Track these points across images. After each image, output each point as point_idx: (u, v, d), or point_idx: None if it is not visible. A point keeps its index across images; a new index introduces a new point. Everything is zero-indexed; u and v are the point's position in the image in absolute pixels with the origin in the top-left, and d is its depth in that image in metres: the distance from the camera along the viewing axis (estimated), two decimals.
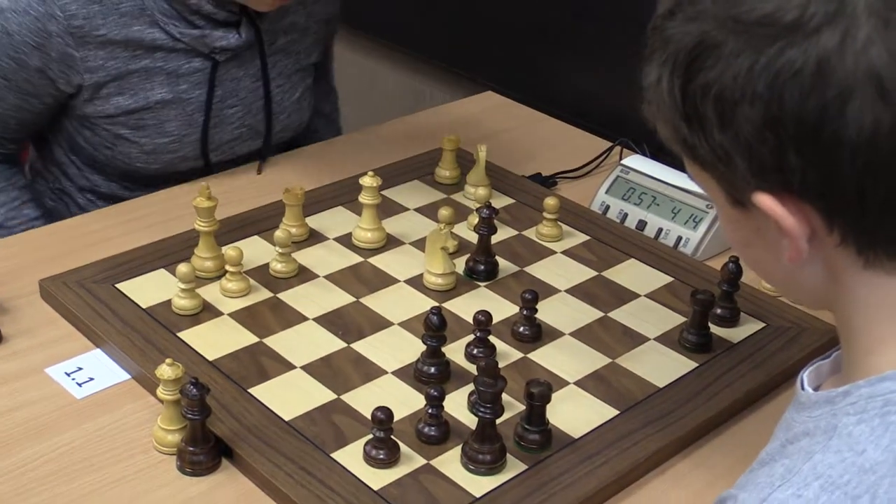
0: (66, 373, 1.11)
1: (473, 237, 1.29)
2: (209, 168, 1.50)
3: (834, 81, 0.62)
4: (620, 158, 1.51)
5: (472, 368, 1.09)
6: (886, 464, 0.64)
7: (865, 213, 0.65)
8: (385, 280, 1.26)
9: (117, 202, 1.46)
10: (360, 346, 1.14)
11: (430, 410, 1.01)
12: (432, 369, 1.09)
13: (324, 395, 1.07)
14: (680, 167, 1.41)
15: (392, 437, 0.98)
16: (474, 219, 1.31)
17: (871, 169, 0.63)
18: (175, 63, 1.41)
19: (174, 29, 1.39)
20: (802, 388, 0.73)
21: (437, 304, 1.19)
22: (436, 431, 1.01)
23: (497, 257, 1.28)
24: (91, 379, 1.10)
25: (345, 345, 1.14)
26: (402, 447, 1.00)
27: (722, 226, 0.75)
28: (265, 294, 1.22)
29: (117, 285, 1.21)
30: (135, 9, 1.37)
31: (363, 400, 1.06)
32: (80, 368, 1.11)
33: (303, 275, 1.25)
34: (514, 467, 0.99)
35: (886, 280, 0.68)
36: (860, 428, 0.65)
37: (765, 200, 0.66)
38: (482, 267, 1.26)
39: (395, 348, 1.14)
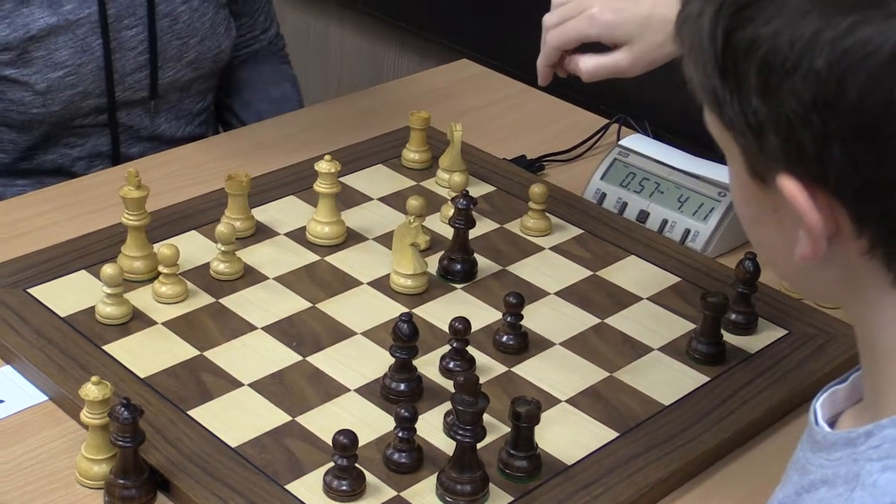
0: None
1: (448, 231, 1.30)
2: (114, 108, 1.48)
3: None
4: (618, 138, 1.52)
5: (449, 385, 1.10)
6: None
7: None
8: (345, 282, 1.26)
9: (15, 173, 1.42)
10: (317, 360, 1.15)
11: (399, 434, 1.02)
12: (402, 386, 1.10)
13: (276, 416, 1.08)
14: (687, 148, 1.43)
15: (356, 465, 0.99)
16: (449, 210, 1.31)
17: None
18: None
19: None
20: (816, 423, 0.73)
21: (406, 309, 1.19)
22: (407, 458, 1.02)
23: (476, 255, 1.29)
24: (0, 401, 1.10)
25: (300, 358, 1.15)
26: (368, 477, 1.01)
27: (731, 190, 0.73)
28: (206, 299, 1.22)
29: (30, 290, 1.21)
30: None
31: (322, 422, 1.07)
32: None
33: (249, 276, 1.26)
34: (498, 499, 1.00)
35: None
36: (886, 476, 0.64)
37: (791, 187, 0.65)
38: (458, 266, 1.27)
39: (359, 362, 1.15)
